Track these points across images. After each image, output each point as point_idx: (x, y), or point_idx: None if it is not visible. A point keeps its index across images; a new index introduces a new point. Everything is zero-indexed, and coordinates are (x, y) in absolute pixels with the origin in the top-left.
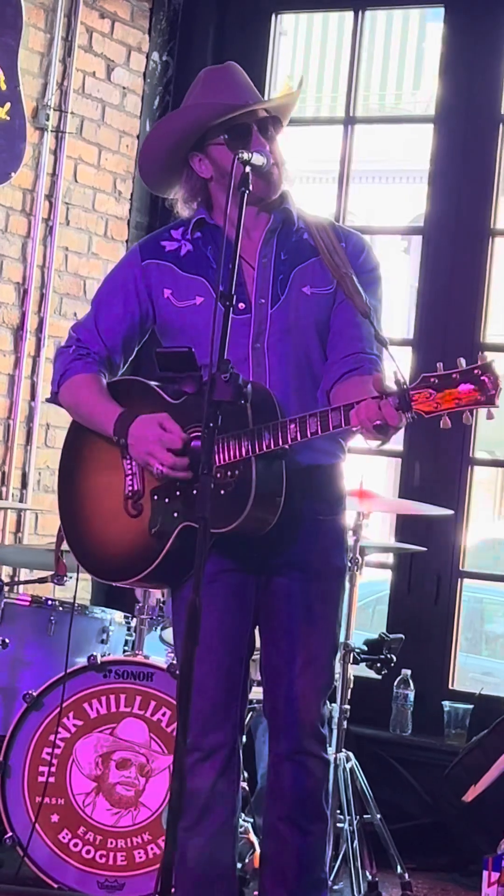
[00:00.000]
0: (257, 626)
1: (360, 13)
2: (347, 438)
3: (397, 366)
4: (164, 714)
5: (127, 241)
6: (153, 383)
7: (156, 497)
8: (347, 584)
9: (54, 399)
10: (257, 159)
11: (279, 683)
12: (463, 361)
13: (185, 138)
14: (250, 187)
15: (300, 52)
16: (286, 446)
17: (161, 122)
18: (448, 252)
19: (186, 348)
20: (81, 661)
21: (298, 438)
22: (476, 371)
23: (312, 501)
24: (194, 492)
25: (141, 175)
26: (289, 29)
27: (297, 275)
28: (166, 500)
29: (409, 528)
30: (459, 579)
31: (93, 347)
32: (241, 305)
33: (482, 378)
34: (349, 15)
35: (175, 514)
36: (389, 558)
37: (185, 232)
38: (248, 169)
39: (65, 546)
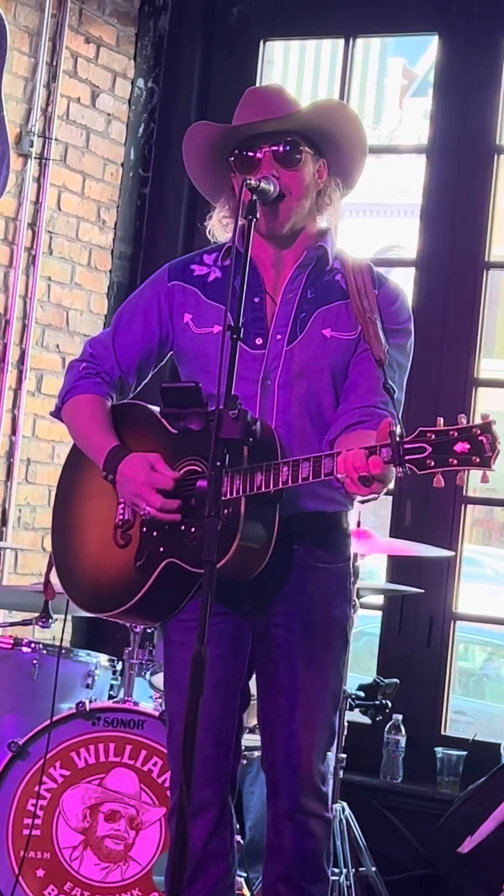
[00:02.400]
0: (253, 676)
1: (350, 40)
2: None
3: (398, 418)
4: (154, 764)
5: (110, 272)
6: (156, 409)
7: (144, 529)
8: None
9: (57, 414)
10: (265, 186)
11: (277, 738)
12: (463, 419)
13: (206, 158)
14: (257, 216)
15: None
16: (279, 489)
17: (185, 141)
18: (441, 285)
19: (193, 383)
20: (67, 706)
21: (290, 483)
22: (475, 430)
23: (313, 548)
24: (181, 528)
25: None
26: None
27: (320, 315)
28: (154, 533)
29: (400, 569)
30: (453, 621)
31: (105, 366)
32: (259, 340)
33: (480, 438)
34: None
35: (161, 549)
36: (378, 599)
37: (217, 258)
38: (254, 196)
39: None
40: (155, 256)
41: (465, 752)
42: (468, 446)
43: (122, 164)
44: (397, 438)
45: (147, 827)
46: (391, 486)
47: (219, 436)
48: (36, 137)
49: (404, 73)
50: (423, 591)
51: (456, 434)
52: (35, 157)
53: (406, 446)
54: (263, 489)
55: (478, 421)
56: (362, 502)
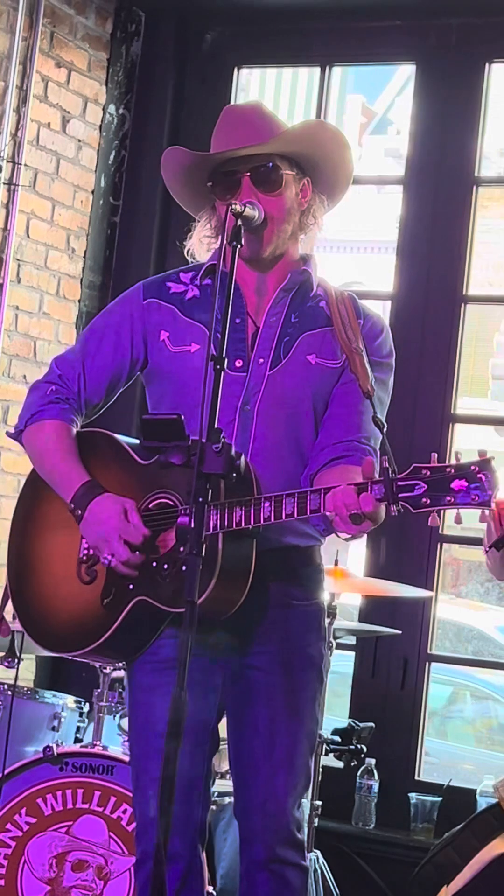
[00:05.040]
0: (224, 718)
1: (326, 69)
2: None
3: (390, 453)
4: (124, 811)
5: (80, 301)
6: (123, 440)
7: None
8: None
9: (16, 436)
10: (249, 212)
11: (252, 784)
12: (460, 455)
13: (183, 181)
14: (242, 242)
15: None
16: (258, 526)
17: (161, 165)
18: (418, 319)
19: (175, 415)
20: (33, 750)
21: (272, 519)
22: (473, 468)
23: (286, 585)
24: (153, 564)
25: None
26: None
27: (305, 340)
28: None
29: (374, 608)
30: (427, 663)
31: (73, 387)
32: (239, 363)
33: (479, 476)
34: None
35: (130, 587)
36: (352, 639)
37: (194, 277)
38: (239, 222)
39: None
40: (125, 286)
41: (439, 798)
42: (465, 484)
43: (93, 192)
44: (390, 475)
45: (116, 877)
46: None
47: (201, 470)
48: (5, 163)
49: (363, 110)
50: (399, 632)
51: (452, 471)
52: (4, 183)
53: (400, 483)
54: (244, 525)
55: (474, 457)
56: (346, 540)
